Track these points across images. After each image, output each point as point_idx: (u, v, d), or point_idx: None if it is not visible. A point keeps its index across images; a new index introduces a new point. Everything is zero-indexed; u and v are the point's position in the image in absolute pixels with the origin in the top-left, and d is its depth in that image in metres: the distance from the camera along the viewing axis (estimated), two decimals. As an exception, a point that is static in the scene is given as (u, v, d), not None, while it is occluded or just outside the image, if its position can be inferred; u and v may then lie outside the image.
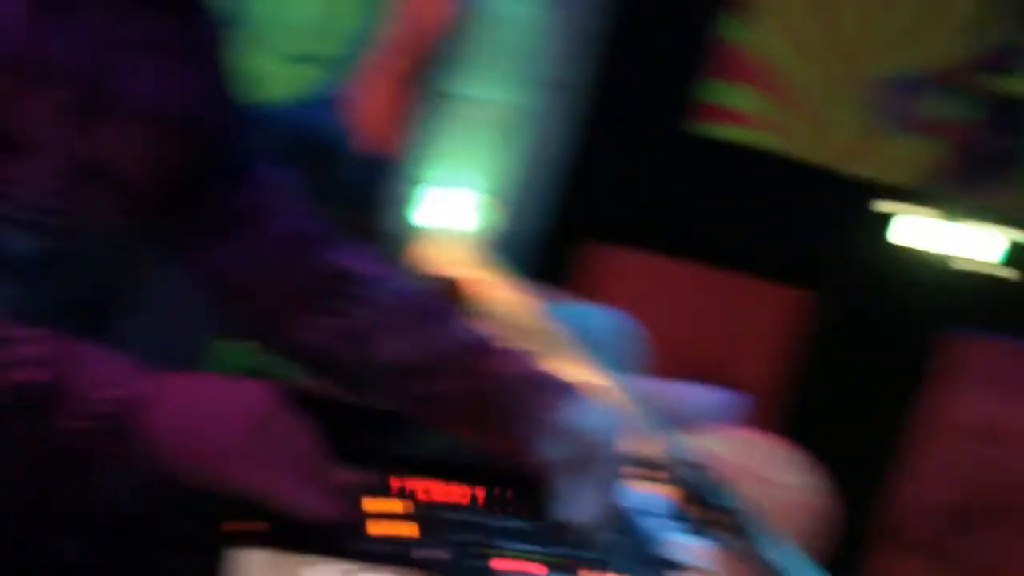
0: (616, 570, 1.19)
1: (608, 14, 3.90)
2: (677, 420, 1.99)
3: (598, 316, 2.84)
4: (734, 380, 3.50)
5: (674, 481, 1.61)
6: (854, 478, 2.18)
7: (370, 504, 1.15)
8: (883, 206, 4.42)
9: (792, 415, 4.16)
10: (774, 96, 4.20)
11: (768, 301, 4.40)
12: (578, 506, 1.24)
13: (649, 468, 1.63)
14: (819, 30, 4.20)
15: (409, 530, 1.13)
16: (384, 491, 1.18)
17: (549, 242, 3.86)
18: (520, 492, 1.27)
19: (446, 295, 2.55)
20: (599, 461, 1.27)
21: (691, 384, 2.84)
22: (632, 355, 2.74)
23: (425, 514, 1.17)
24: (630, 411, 1.86)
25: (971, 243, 4.51)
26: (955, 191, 4.46)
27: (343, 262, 1.35)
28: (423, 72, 3.43)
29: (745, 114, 4.20)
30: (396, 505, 1.17)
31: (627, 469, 1.49)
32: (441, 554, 1.09)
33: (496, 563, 1.14)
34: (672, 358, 3.26)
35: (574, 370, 2.02)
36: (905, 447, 4.65)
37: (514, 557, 1.15)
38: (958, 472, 4.76)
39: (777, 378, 4.38)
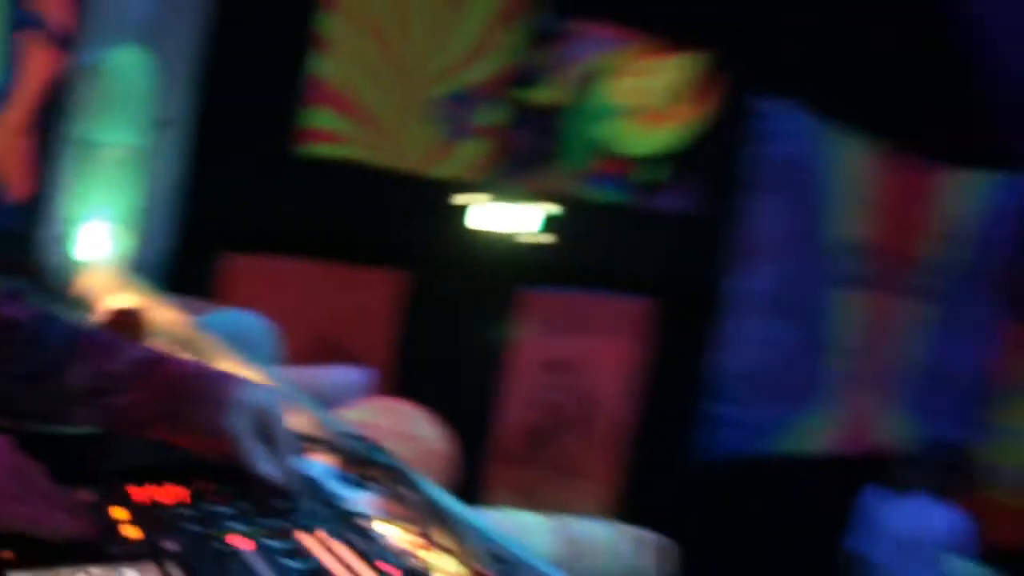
0: (320, 528, 1.18)
1: (214, 58, 3.82)
2: (324, 399, 2.01)
3: (238, 319, 2.78)
4: (357, 356, 3.56)
5: (335, 450, 1.64)
6: (464, 413, 2.27)
7: (109, 514, 1.13)
8: (458, 197, 4.53)
9: (407, 377, 4.23)
10: (358, 118, 4.21)
11: (376, 286, 4.46)
12: (267, 466, 1.24)
13: (312, 442, 1.65)
14: (386, 62, 4.27)
15: (145, 532, 1.11)
16: (117, 502, 1.16)
17: (186, 259, 3.76)
18: (227, 482, 1.26)
19: (109, 321, 2.46)
20: (274, 426, 1.28)
21: (327, 367, 2.85)
22: (272, 350, 2.72)
23: (155, 515, 1.15)
24: (285, 396, 1.87)
25: (521, 218, 4.74)
26: (505, 180, 4.68)
27: (3, 312, 1.28)
28: (49, 121, 3.27)
29: (337, 134, 4.18)
30: (129, 513, 1.14)
31: (297, 443, 1.51)
32: (176, 546, 1.08)
33: (228, 540, 1.11)
34: (305, 346, 3.27)
35: (230, 369, 2.01)
36: (498, 382, 4.87)
37: (238, 534, 1.12)
38: (537, 397, 5.04)
39: (391, 348, 4.46)
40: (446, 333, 4.51)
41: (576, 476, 5.14)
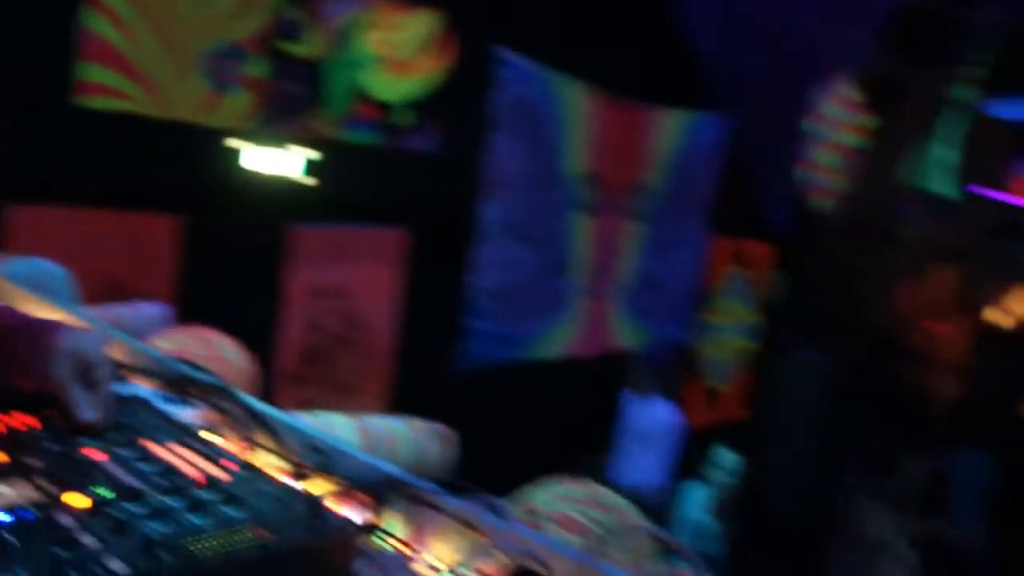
0: (162, 437, 1.24)
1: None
2: (132, 333, 2.04)
3: (35, 266, 2.70)
4: (144, 295, 3.50)
5: (155, 375, 1.69)
6: (246, 339, 2.31)
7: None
8: (228, 144, 4.47)
9: (193, 310, 4.16)
10: (132, 74, 4.07)
11: (156, 229, 4.36)
12: (89, 412, 1.25)
13: (133, 370, 1.69)
14: (155, 21, 4.12)
15: (8, 454, 1.09)
16: None
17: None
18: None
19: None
20: (97, 371, 1.28)
21: (127, 304, 2.81)
22: (71, 293, 2.67)
23: (13, 439, 1.15)
24: (105, 338, 1.88)
25: (288, 161, 4.72)
26: (271, 126, 4.65)
27: None
28: None
29: (112, 88, 4.03)
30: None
31: (119, 371, 1.56)
32: (40, 463, 1.13)
33: (84, 452, 1.15)
34: (92, 290, 3.19)
35: (39, 312, 2.00)
36: (275, 311, 4.89)
37: (92, 448, 1.16)
38: (312, 322, 5.10)
39: (175, 285, 4.39)
40: (225, 268, 4.47)
41: (351, 391, 5.25)
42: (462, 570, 1.13)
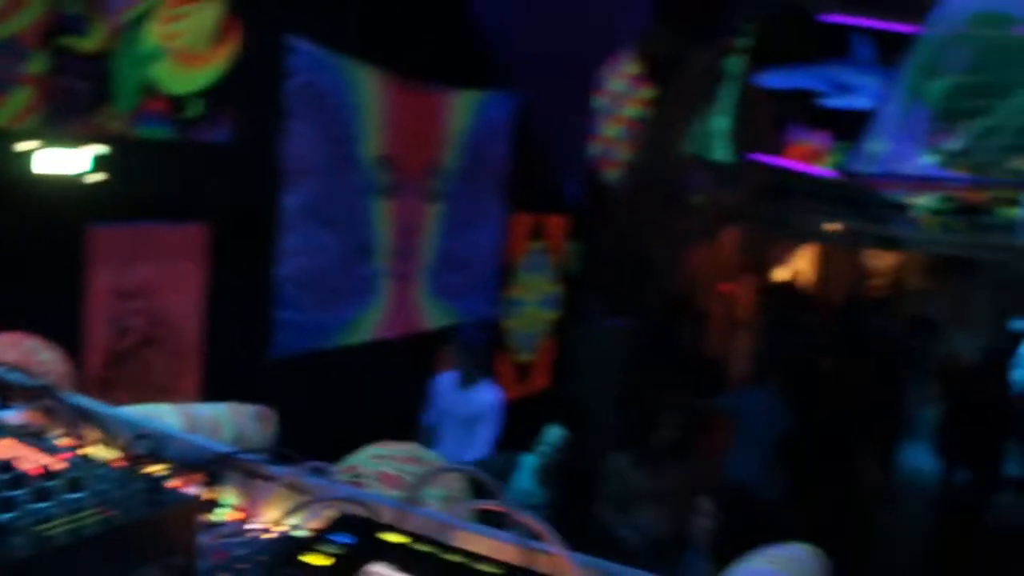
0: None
1: None
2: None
3: None
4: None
5: None
6: (58, 342, 2.30)
7: None
8: (13, 146, 4.31)
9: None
10: None
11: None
12: None
13: None
14: None
15: None
16: None
17: None
18: None
19: None
20: None
21: None
22: None
23: None
24: None
25: (77, 160, 4.58)
26: (58, 125, 4.52)
27: None
28: None
29: None
30: None
31: None
32: None
33: None
34: None
35: None
36: (80, 311, 4.75)
37: None
38: (115, 321, 5.00)
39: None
40: (22, 273, 4.30)
41: (163, 389, 5.18)
42: (294, 530, 1.26)
